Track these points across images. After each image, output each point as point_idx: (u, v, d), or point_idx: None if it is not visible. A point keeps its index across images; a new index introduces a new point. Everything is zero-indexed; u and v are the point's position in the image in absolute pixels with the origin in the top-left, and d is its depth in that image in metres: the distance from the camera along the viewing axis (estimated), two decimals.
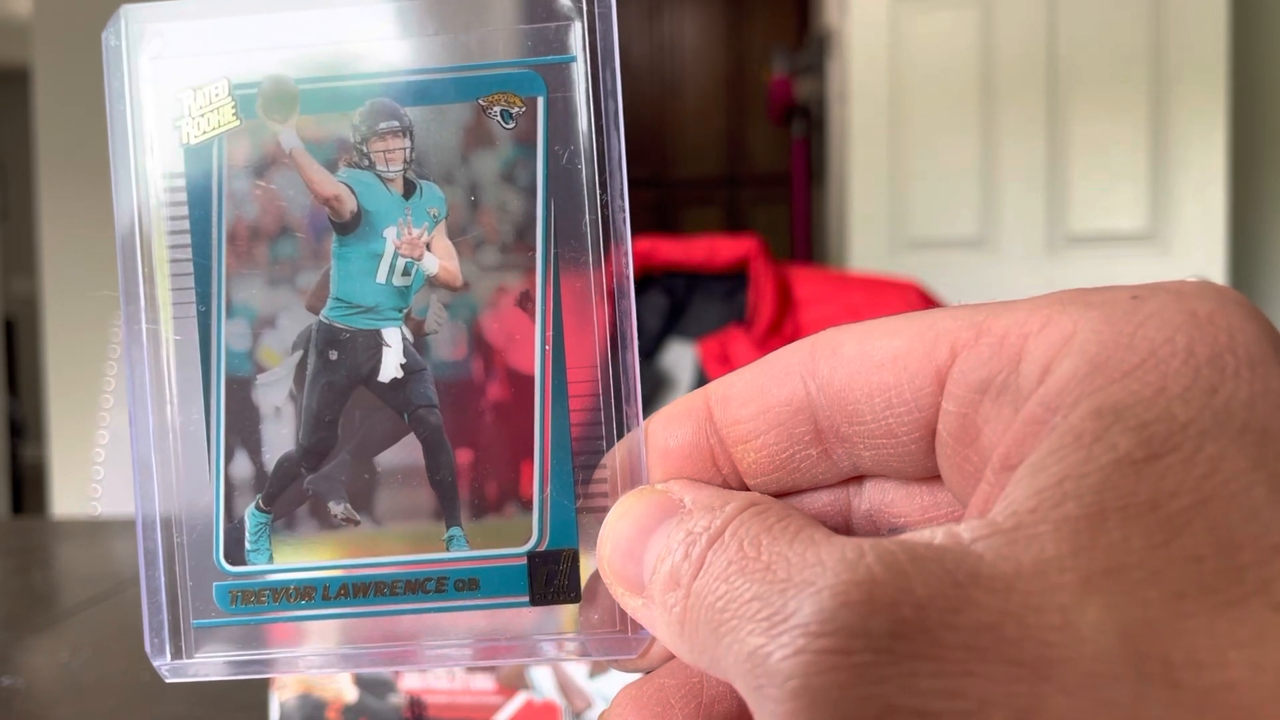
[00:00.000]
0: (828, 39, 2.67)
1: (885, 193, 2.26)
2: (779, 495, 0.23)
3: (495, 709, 0.54)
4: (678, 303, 1.62)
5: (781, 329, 1.55)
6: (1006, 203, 2.18)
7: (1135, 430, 0.17)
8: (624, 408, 0.24)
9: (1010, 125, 2.16)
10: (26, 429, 4.56)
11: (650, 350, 1.58)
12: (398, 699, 0.54)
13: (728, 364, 1.52)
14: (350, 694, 0.54)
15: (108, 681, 0.70)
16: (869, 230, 2.28)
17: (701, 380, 1.52)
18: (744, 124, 4.24)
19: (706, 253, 1.61)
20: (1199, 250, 2.08)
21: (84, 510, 1.68)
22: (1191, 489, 0.17)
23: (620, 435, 0.24)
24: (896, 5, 2.24)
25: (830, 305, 1.58)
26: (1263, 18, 2.21)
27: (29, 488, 4.13)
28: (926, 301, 1.55)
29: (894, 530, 0.23)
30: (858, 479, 0.23)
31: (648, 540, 0.21)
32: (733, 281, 1.61)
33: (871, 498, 0.23)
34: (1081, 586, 0.16)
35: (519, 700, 0.54)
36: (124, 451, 1.52)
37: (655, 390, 1.52)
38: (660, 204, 4.25)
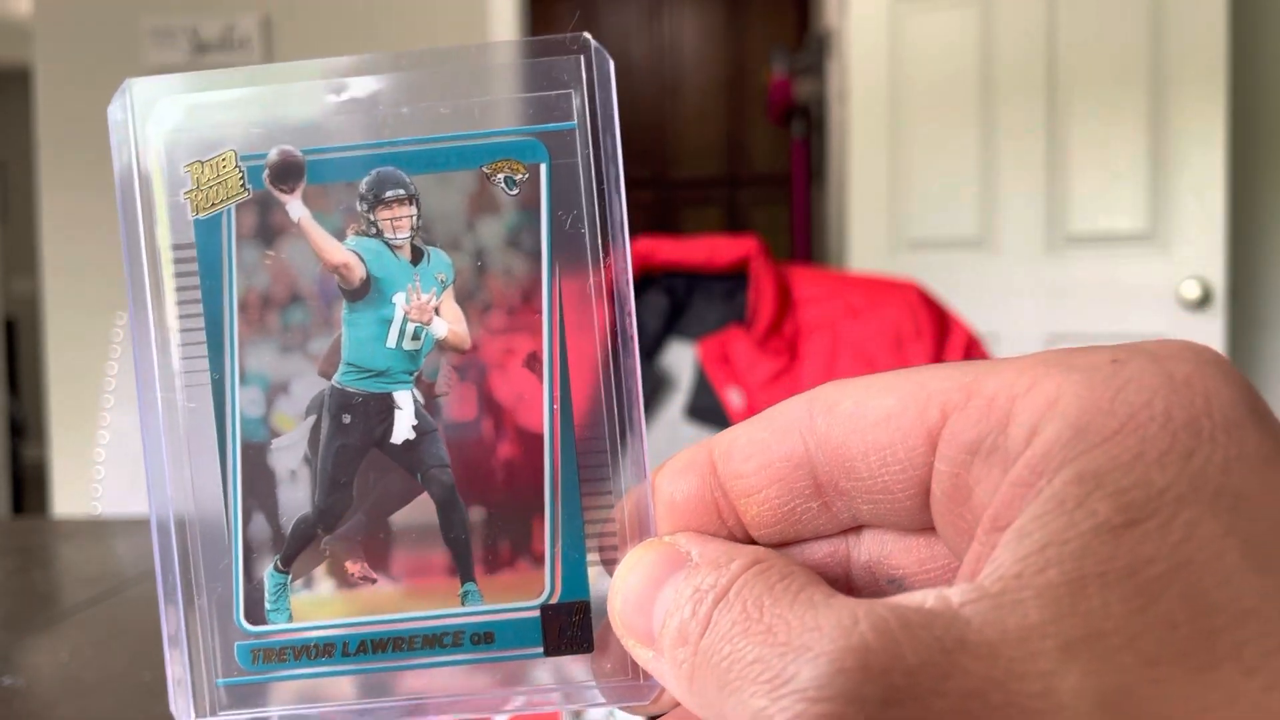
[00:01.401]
0: (827, 39, 2.67)
1: (885, 193, 2.26)
2: (781, 545, 0.24)
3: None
4: (678, 303, 1.62)
5: (781, 329, 1.56)
6: (1006, 203, 2.18)
7: (1114, 496, 0.18)
8: (631, 462, 0.24)
9: (1010, 125, 2.16)
10: (27, 429, 4.57)
11: (650, 350, 1.58)
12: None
13: (728, 364, 1.53)
14: None
15: (108, 681, 0.70)
16: (869, 230, 2.28)
17: (701, 380, 1.53)
18: (744, 124, 4.23)
19: (706, 253, 1.61)
20: (1198, 250, 2.07)
21: (84, 510, 1.68)
22: (1167, 555, 0.17)
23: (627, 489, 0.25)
24: (896, 5, 2.24)
25: (830, 305, 1.58)
26: (1262, 19, 2.21)
27: (29, 488, 4.14)
28: (926, 301, 1.55)
29: (892, 581, 0.24)
30: (857, 529, 0.24)
31: (657, 593, 0.22)
32: (733, 281, 1.61)
33: (870, 549, 0.24)
34: (1061, 652, 0.17)
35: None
36: (124, 451, 1.52)
37: (655, 390, 1.53)
38: (660, 204, 4.25)
